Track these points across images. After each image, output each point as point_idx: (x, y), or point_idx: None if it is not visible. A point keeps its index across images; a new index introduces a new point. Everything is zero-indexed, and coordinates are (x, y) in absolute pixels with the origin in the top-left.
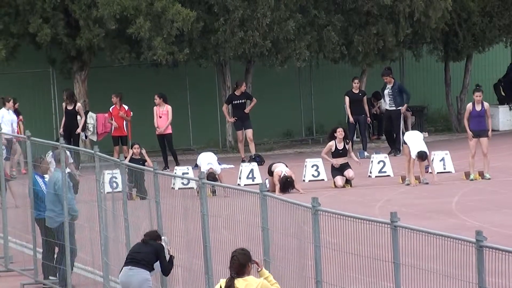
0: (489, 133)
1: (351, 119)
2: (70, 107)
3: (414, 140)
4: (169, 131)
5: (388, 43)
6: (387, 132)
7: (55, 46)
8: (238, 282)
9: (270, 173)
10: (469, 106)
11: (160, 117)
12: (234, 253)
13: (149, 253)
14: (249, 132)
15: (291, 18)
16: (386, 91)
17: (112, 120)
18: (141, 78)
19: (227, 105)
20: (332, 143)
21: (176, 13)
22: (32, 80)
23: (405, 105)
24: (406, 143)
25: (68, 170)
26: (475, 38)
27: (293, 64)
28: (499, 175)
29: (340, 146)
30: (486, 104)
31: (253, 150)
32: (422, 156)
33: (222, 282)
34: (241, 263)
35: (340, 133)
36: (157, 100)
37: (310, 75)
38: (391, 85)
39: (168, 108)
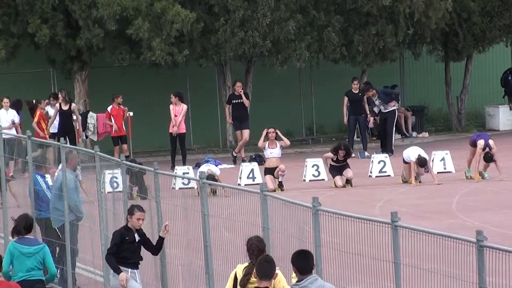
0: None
1: (345, 120)
2: (65, 107)
3: (415, 151)
4: (184, 130)
5: (388, 43)
6: (381, 133)
7: (55, 46)
8: (252, 268)
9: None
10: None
11: (176, 115)
12: (251, 241)
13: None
14: (246, 133)
15: (291, 18)
16: (376, 102)
17: (112, 121)
18: (142, 78)
19: (228, 105)
20: (332, 155)
21: (176, 14)
22: (32, 80)
23: (395, 102)
24: (406, 162)
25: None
26: (475, 38)
27: (293, 64)
28: (499, 175)
29: (341, 158)
30: (492, 142)
31: (238, 150)
32: (421, 162)
33: (239, 268)
34: (260, 249)
35: (341, 155)
36: (173, 99)
37: (310, 75)
38: (376, 95)
39: (184, 107)
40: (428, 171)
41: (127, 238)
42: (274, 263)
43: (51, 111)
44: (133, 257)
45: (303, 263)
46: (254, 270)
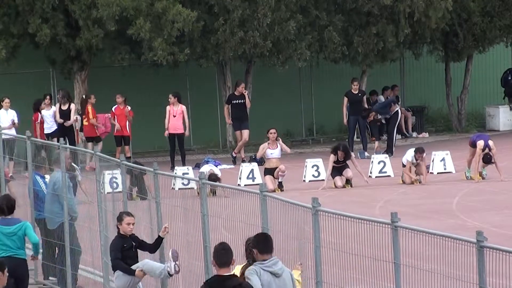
0: (498, 168)
1: (345, 120)
2: (64, 107)
3: (411, 151)
4: (182, 130)
5: (388, 44)
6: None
7: (55, 46)
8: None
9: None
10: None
11: (174, 116)
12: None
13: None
14: (245, 133)
15: (292, 18)
16: (380, 117)
17: (115, 120)
18: (142, 78)
19: (228, 105)
20: (333, 158)
21: (177, 14)
22: (32, 80)
23: (394, 105)
24: (405, 165)
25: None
26: (476, 38)
27: (293, 64)
28: (500, 176)
29: (341, 158)
30: (491, 143)
31: (237, 150)
32: (419, 149)
33: (237, 269)
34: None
35: (341, 155)
36: (172, 99)
37: (310, 75)
38: (377, 115)
39: (183, 108)
40: (428, 171)
41: (125, 245)
42: (231, 250)
43: (46, 112)
44: (133, 263)
45: (263, 243)
46: (213, 259)
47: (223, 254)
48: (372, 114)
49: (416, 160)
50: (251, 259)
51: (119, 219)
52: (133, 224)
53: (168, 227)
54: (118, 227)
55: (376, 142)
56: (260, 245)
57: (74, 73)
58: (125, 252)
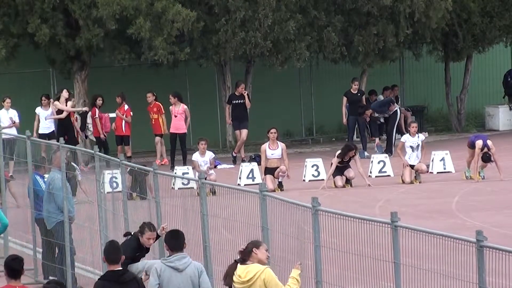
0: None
1: (344, 120)
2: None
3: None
4: (184, 130)
5: (388, 43)
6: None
7: (55, 46)
8: (240, 268)
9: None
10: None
11: (176, 116)
12: (249, 243)
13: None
14: (244, 133)
15: (292, 18)
16: (378, 115)
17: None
18: (142, 78)
19: (229, 105)
20: (337, 160)
21: (177, 14)
22: (32, 80)
23: (393, 105)
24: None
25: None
26: (475, 38)
27: (293, 64)
28: (499, 175)
29: (346, 159)
30: (490, 143)
31: (237, 150)
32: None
33: (238, 268)
34: (244, 249)
35: (351, 155)
36: (172, 99)
37: (310, 75)
38: (374, 113)
39: (184, 107)
40: (428, 170)
41: (138, 254)
42: (120, 248)
43: (43, 112)
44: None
45: (173, 241)
46: (104, 256)
47: (112, 252)
48: (368, 111)
49: (407, 129)
50: (240, 259)
51: (141, 231)
52: (153, 239)
53: (166, 227)
54: (138, 237)
55: (376, 139)
56: (171, 242)
57: (74, 73)
58: (134, 258)
